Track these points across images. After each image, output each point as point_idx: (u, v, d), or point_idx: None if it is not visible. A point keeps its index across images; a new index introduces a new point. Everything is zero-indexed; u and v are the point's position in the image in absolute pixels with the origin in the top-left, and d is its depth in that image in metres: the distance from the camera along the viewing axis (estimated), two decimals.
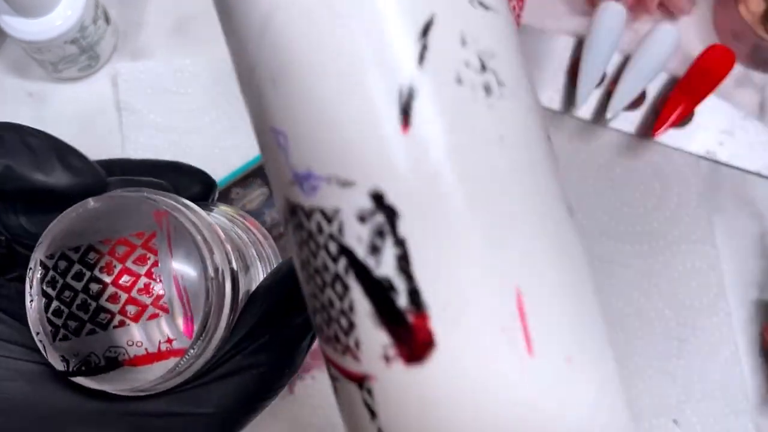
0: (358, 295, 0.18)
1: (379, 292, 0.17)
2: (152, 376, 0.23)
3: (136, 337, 0.24)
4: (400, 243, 0.17)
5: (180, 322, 0.24)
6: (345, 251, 0.17)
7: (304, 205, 0.18)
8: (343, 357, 0.19)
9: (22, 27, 0.47)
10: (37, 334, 0.24)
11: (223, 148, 0.53)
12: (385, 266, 0.17)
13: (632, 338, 0.51)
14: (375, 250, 0.17)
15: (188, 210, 0.25)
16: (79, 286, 0.24)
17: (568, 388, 0.17)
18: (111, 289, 0.24)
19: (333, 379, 0.19)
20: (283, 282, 0.26)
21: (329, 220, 0.18)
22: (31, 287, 0.24)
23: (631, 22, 0.56)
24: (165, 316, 0.24)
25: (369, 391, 0.18)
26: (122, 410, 0.24)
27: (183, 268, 0.24)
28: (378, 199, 0.17)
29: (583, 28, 0.55)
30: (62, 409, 0.23)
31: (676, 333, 0.51)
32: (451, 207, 0.17)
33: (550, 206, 0.18)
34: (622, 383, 0.19)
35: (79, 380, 0.24)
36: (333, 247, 0.18)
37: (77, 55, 0.51)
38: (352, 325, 0.18)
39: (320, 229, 0.18)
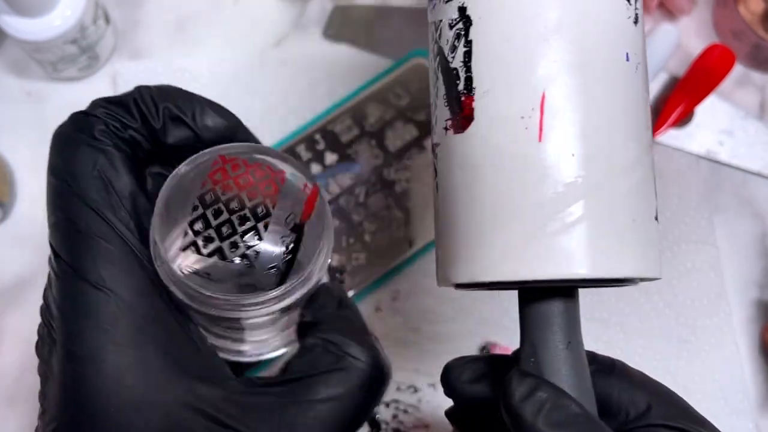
0: (440, 83, 0.26)
1: (449, 79, 0.25)
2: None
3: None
4: (468, 43, 0.25)
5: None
6: (440, 50, 0.26)
7: (430, 21, 0.27)
8: (432, 134, 0.27)
9: (21, 27, 0.47)
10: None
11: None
12: (456, 60, 0.25)
13: (632, 338, 0.51)
14: (454, 48, 0.25)
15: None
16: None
17: (566, 172, 0.24)
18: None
19: (433, 160, 0.28)
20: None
21: (436, 28, 0.26)
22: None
23: None
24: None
25: (436, 155, 0.27)
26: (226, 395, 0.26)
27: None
28: (462, 11, 0.25)
29: None
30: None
31: (676, 333, 0.51)
32: (508, 21, 0.24)
33: (601, 41, 0.25)
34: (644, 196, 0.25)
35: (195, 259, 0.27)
36: (435, 48, 0.26)
37: (77, 55, 0.51)
38: (435, 107, 0.27)
39: (433, 37, 0.27)
